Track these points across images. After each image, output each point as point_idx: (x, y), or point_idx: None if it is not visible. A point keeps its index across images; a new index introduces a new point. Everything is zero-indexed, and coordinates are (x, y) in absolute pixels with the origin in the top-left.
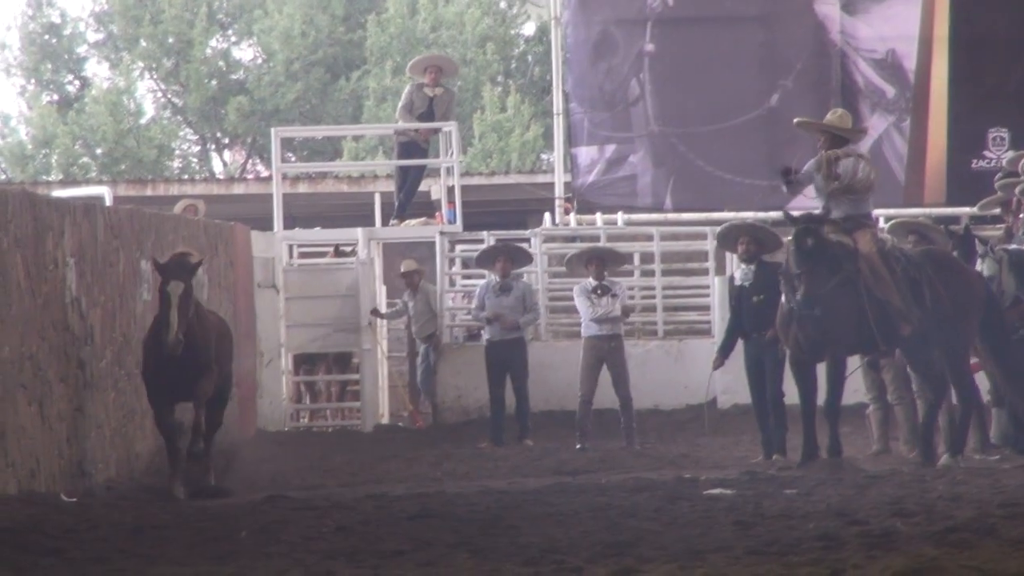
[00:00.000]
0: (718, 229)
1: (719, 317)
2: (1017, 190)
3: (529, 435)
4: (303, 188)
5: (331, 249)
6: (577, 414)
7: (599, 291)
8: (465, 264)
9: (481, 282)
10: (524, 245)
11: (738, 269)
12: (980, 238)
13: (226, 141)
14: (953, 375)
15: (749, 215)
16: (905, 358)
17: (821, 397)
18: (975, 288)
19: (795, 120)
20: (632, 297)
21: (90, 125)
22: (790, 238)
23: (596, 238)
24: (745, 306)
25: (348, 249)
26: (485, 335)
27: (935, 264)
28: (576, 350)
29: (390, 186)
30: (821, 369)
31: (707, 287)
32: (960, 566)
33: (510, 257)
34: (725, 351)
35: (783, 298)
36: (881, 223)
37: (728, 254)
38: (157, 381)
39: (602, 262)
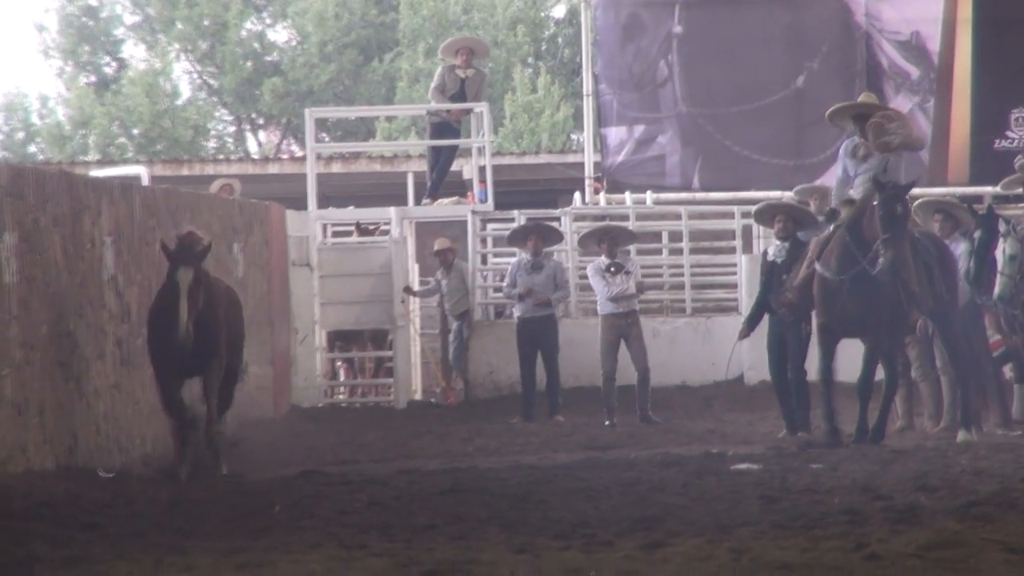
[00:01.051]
0: (755, 207)
1: (746, 294)
2: None
3: (559, 411)
4: (337, 168)
5: (354, 228)
6: (602, 391)
7: (612, 269)
8: (496, 242)
9: (513, 260)
10: (554, 224)
11: (772, 245)
12: (1003, 217)
13: (261, 122)
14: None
15: (776, 194)
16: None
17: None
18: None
19: (827, 113)
20: (660, 275)
21: (127, 106)
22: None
23: (625, 217)
24: (775, 282)
25: (372, 227)
26: (517, 312)
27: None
28: None
29: (423, 166)
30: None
31: (734, 265)
32: (983, 540)
33: (541, 235)
34: (752, 323)
35: (821, 268)
36: None
37: (756, 234)
38: (164, 362)
39: (614, 240)
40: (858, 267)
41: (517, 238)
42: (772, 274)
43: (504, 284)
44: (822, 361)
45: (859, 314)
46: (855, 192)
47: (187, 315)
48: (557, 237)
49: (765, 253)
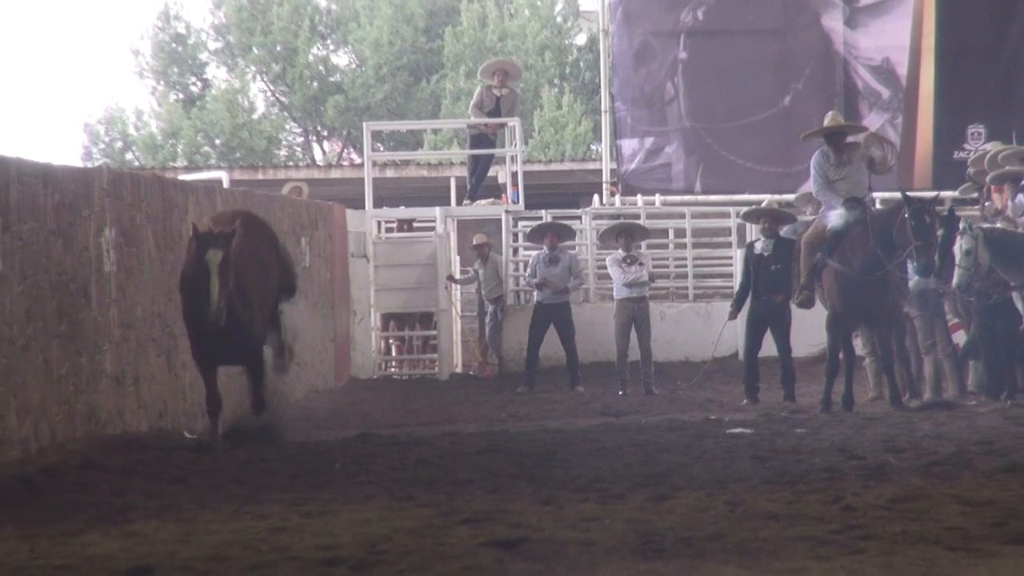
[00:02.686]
0: (742, 211)
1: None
2: (988, 178)
3: (580, 383)
4: (390, 173)
5: (395, 223)
6: (616, 366)
7: (628, 260)
8: (526, 238)
9: (534, 254)
10: (576, 223)
11: (759, 240)
12: (961, 218)
13: (325, 133)
14: (881, 340)
15: (766, 197)
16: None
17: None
18: None
19: (802, 136)
20: (666, 266)
21: (210, 120)
22: (844, 214)
23: (636, 216)
24: (763, 272)
25: (410, 220)
26: (536, 297)
27: None
28: None
29: (463, 172)
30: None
31: (730, 258)
32: (942, 494)
33: (557, 232)
34: (739, 304)
35: (841, 266)
36: (878, 204)
37: (749, 231)
38: (203, 345)
39: (630, 235)
40: (884, 270)
41: (536, 235)
42: (760, 264)
43: (527, 274)
44: (832, 346)
45: (875, 308)
46: (834, 194)
47: (218, 294)
48: (570, 234)
49: (751, 246)
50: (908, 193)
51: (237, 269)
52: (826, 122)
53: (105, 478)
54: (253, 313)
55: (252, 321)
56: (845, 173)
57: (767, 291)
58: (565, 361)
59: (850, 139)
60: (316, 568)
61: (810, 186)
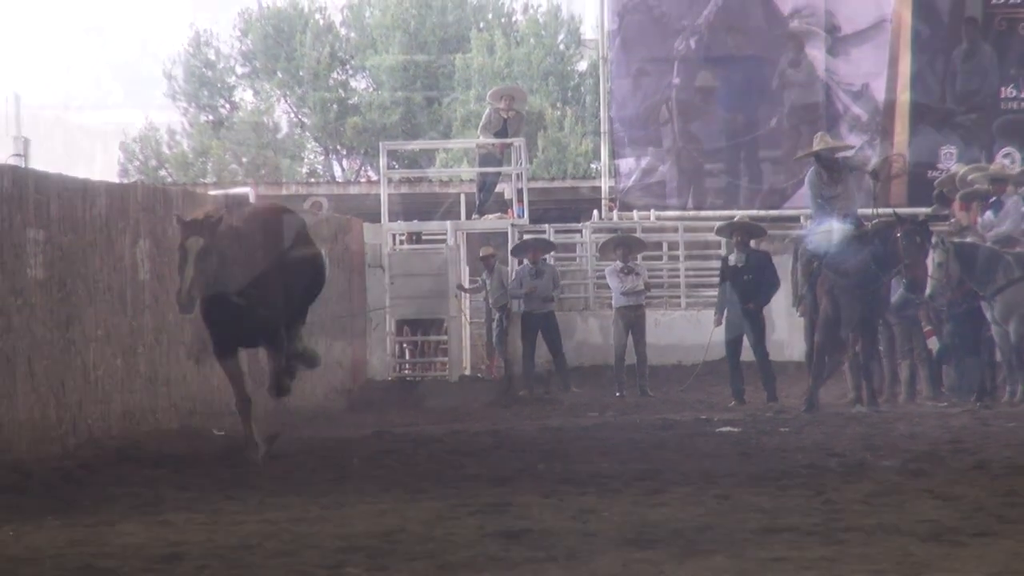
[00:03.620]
0: (716, 225)
1: None
2: (958, 196)
3: (572, 385)
4: (404, 189)
5: (405, 235)
6: (614, 369)
7: (625, 271)
8: (511, 253)
9: (518, 267)
10: (577, 236)
11: (732, 253)
12: (934, 232)
13: (344, 152)
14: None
15: (752, 212)
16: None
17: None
18: None
19: (795, 157)
20: (660, 276)
21: (238, 139)
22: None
23: (633, 230)
24: (738, 282)
25: (418, 233)
26: (523, 307)
27: None
28: None
29: (473, 188)
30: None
31: (719, 269)
32: (917, 490)
33: (538, 248)
34: (721, 311)
35: (836, 277)
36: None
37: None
38: (218, 331)
39: (628, 247)
40: (878, 283)
41: (520, 251)
42: (734, 275)
43: (511, 286)
44: (821, 350)
45: (863, 314)
46: (831, 210)
47: (191, 281)
48: (551, 247)
49: (725, 259)
50: (900, 211)
51: (250, 254)
52: (816, 144)
53: (139, 472)
54: (270, 295)
55: (269, 301)
56: (839, 191)
57: (741, 300)
58: (554, 366)
59: (838, 155)
60: (334, 556)
61: (796, 203)
